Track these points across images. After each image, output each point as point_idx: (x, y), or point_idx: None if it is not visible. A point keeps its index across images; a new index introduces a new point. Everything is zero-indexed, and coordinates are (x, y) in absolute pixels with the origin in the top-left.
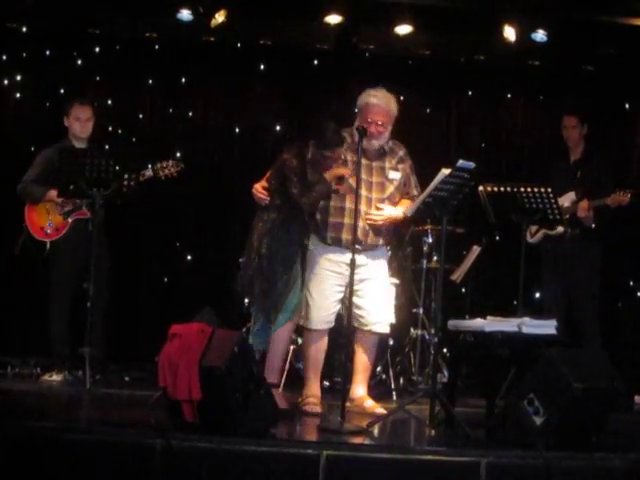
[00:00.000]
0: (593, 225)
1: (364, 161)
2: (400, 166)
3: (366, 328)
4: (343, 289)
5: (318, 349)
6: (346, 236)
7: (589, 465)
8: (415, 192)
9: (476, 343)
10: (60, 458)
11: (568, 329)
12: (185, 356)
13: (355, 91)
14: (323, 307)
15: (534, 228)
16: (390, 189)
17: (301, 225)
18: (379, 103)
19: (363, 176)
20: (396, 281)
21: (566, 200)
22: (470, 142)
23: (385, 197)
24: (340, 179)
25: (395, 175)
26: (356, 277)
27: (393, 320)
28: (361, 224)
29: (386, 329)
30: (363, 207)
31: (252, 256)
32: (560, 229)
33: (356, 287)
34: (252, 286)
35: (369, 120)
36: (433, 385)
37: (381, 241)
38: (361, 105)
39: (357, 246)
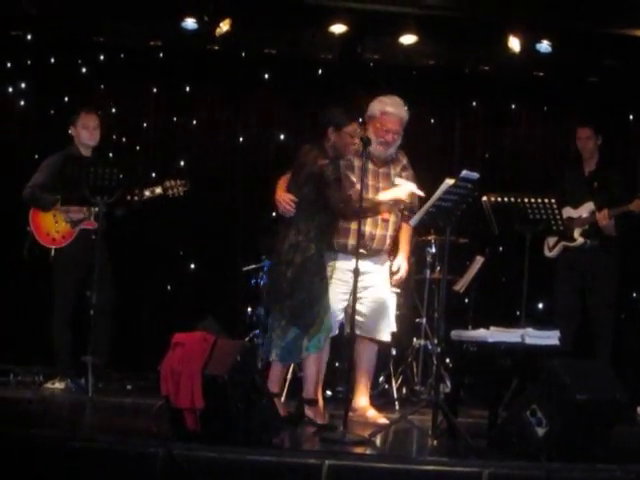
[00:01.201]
0: (614, 234)
1: (371, 166)
2: (404, 174)
3: (368, 336)
4: (347, 297)
5: (325, 358)
6: (353, 242)
7: (591, 477)
8: (415, 202)
9: (479, 353)
10: (62, 466)
11: (578, 340)
12: (188, 365)
13: (359, 101)
14: (330, 314)
15: (552, 241)
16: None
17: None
18: (395, 112)
19: (370, 182)
20: (397, 290)
21: (584, 211)
22: (474, 152)
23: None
24: (395, 204)
25: (400, 182)
26: (360, 284)
27: (394, 328)
28: (368, 229)
29: (388, 337)
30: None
31: (282, 268)
32: (580, 240)
33: (359, 295)
34: (280, 295)
35: (385, 129)
36: (436, 395)
37: (385, 247)
38: (375, 113)
39: (362, 250)
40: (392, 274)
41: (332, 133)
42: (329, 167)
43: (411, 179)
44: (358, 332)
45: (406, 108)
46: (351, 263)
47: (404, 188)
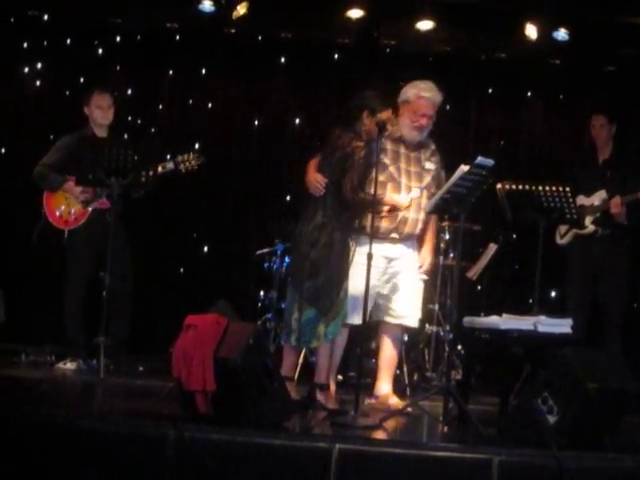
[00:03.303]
0: (626, 222)
1: (403, 150)
2: (433, 158)
3: (396, 321)
4: (378, 283)
5: (343, 344)
6: (386, 225)
7: (601, 465)
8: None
9: (491, 341)
10: (72, 447)
11: (589, 329)
12: (200, 347)
13: (375, 86)
14: (359, 302)
15: (563, 229)
16: (427, 179)
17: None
18: (430, 96)
19: (403, 165)
20: (425, 277)
21: (596, 199)
22: (489, 140)
23: (422, 186)
24: (393, 209)
25: (431, 166)
26: (390, 270)
27: (420, 315)
28: (401, 213)
29: (415, 323)
30: (404, 193)
31: (305, 248)
32: (591, 228)
33: (389, 280)
34: (301, 277)
35: (420, 113)
36: (447, 382)
37: (417, 231)
38: (410, 98)
39: (395, 235)
40: (419, 267)
41: (367, 117)
42: (363, 150)
43: (439, 164)
44: (386, 318)
45: (439, 93)
46: (383, 248)
47: (405, 198)
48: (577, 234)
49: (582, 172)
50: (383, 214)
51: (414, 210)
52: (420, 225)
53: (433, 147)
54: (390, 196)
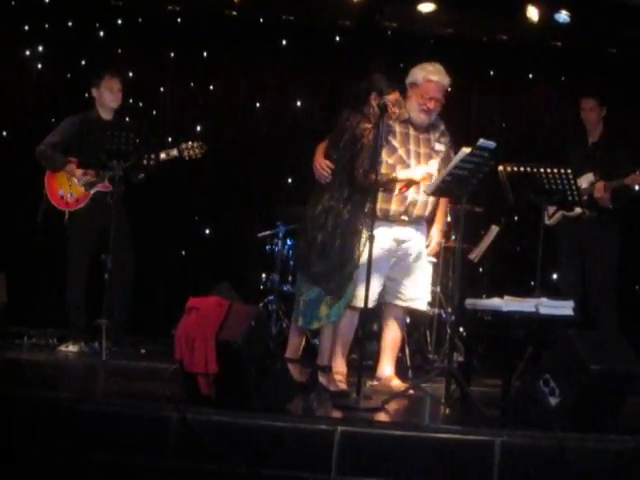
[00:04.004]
0: (610, 206)
1: (412, 132)
2: (443, 139)
3: (405, 304)
4: (387, 265)
5: (352, 327)
6: (395, 207)
7: (603, 447)
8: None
9: (493, 323)
10: (75, 429)
11: (583, 312)
12: (202, 329)
13: (375, 68)
14: (371, 285)
15: (552, 210)
16: (437, 160)
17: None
18: (439, 79)
19: (412, 147)
20: (434, 259)
21: (584, 181)
22: (491, 122)
23: (437, 161)
24: (410, 184)
25: (440, 147)
26: (399, 253)
27: (429, 298)
28: (410, 195)
29: (424, 306)
30: (413, 163)
31: (313, 232)
32: (578, 210)
33: (398, 262)
34: (308, 260)
35: (429, 96)
36: (449, 364)
37: (427, 213)
38: (419, 80)
39: (404, 217)
40: (426, 246)
41: (375, 99)
42: (372, 132)
43: (449, 145)
44: (395, 301)
45: (447, 76)
46: (392, 230)
47: (419, 170)
48: (565, 215)
49: (572, 154)
50: (401, 190)
51: (423, 193)
52: (430, 207)
53: (442, 127)
54: (403, 172)
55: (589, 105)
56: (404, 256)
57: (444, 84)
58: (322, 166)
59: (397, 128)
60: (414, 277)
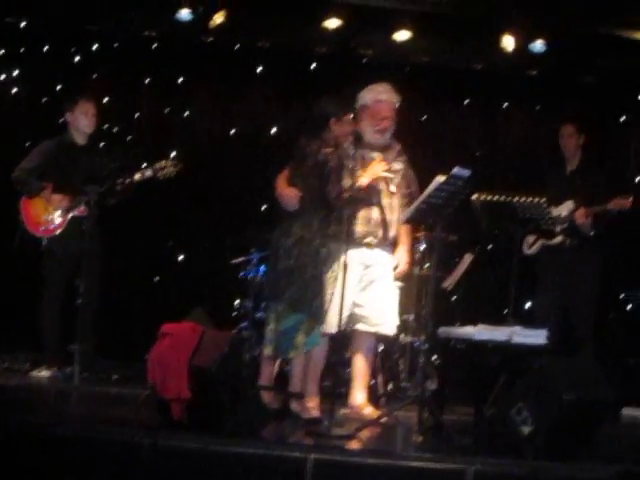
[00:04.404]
0: (592, 233)
1: (369, 154)
2: (400, 158)
3: (372, 329)
4: (354, 291)
5: (323, 353)
6: (360, 228)
7: (575, 475)
8: (415, 186)
9: (466, 351)
10: (47, 454)
11: (560, 338)
12: (175, 355)
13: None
14: (335, 309)
15: (531, 239)
16: (396, 179)
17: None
18: (388, 98)
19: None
20: (400, 284)
21: (564, 209)
22: (466, 150)
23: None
24: (375, 179)
25: (398, 165)
26: (366, 277)
27: (398, 322)
28: (374, 215)
29: (392, 331)
30: (374, 199)
31: (286, 262)
32: (559, 239)
33: (365, 287)
34: (280, 288)
35: (380, 117)
36: (422, 392)
37: (392, 233)
38: (368, 102)
39: (371, 238)
40: (394, 268)
41: (334, 124)
42: (334, 156)
43: (407, 164)
44: (362, 327)
45: (396, 93)
46: (359, 254)
47: (377, 166)
48: (545, 244)
49: (551, 182)
50: (364, 182)
51: (388, 212)
52: (395, 226)
53: (399, 147)
54: (364, 178)
55: (568, 132)
56: (370, 281)
57: (393, 102)
58: (289, 194)
59: (353, 151)
60: (381, 302)
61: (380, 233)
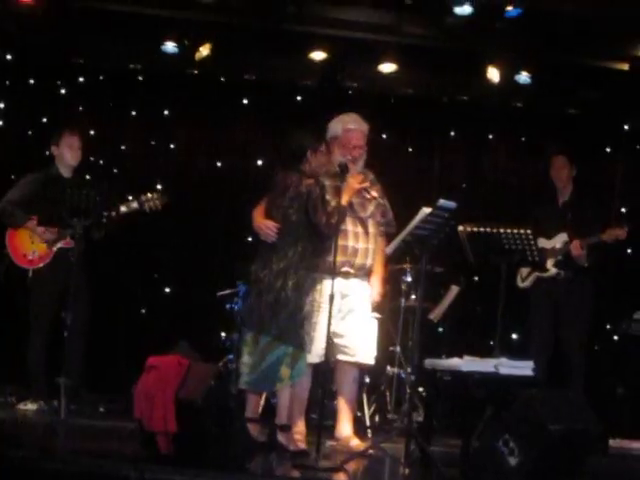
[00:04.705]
0: (586, 264)
1: (342, 184)
2: (374, 187)
3: (352, 359)
4: (333, 321)
5: (307, 385)
6: (339, 258)
7: None
8: (390, 215)
9: (453, 382)
10: None
11: (551, 370)
12: (162, 388)
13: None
14: (317, 340)
15: (525, 272)
16: (371, 208)
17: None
18: (358, 127)
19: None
20: (378, 315)
21: (558, 242)
22: (452, 182)
23: (367, 216)
24: (358, 190)
25: (373, 194)
26: (343, 308)
27: (375, 352)
28: (350, 244)
29: (370, 360)
30: (349, 227)
31: (266, 295)
32: (553, 271)
33: (343, 317)
34: (261, 321)
35: (351, 146)
36: (408, 424)
37: (369, 261)
38: (339, 132)
39: (347, 268)
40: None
41: (312, 155)
42: (315, 187)
43: (381, 193)
44: (341, 357)
45: (365, 122)
46: (336, 283)
47: (350, 181)
48: (539, 277)
49: (543, 214)
50: (345, 199)
51: (362, 240)
52: (371, 255)
53: (372, 177)
54: (343, 196)
55: (559, 163)
56: (349, 311)
57: (363, 130)
58: (268, 226)
59: (327, 182)
60: (359, 331)
61: (356, 261)
